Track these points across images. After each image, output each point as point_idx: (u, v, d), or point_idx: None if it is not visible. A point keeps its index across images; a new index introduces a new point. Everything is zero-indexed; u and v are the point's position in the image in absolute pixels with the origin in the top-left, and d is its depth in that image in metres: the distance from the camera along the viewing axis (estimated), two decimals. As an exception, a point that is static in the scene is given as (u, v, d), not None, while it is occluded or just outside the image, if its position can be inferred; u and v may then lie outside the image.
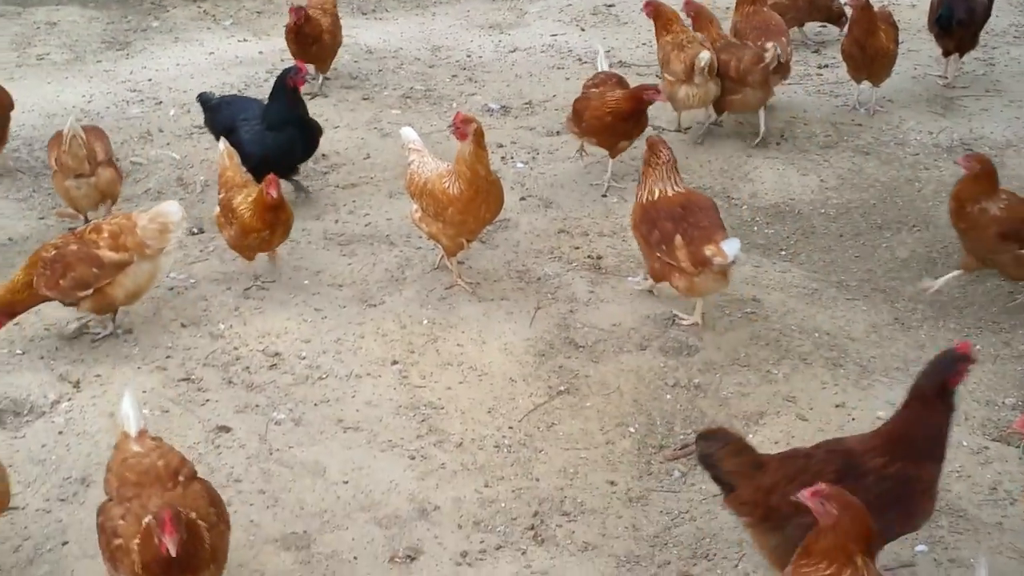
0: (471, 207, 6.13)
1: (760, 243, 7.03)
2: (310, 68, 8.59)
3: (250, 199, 6.20)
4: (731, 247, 5.69)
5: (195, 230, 7.04)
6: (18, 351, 5.92)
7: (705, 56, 7.69)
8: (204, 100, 7.62)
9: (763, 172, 7.73)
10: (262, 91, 8.95)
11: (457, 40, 10.20)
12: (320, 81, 9.11)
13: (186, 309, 6.28)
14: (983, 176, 6.17)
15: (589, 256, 6.81)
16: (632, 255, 6.75)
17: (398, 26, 10.33)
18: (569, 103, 8.08)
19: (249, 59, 9.68)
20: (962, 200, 6.22)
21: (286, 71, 7.28)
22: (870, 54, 8.36)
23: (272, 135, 7.14)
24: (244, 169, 6.62)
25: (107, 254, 5.78)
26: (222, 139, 6.73)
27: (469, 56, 9.86)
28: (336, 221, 7.22)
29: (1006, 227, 6.11)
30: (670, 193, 6.05)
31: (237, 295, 6.40)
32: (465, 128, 5.97)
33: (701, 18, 8.33)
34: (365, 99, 8.99)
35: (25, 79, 9.27)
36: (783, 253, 6.94)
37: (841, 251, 6.80)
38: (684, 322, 6.15)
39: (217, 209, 6.44)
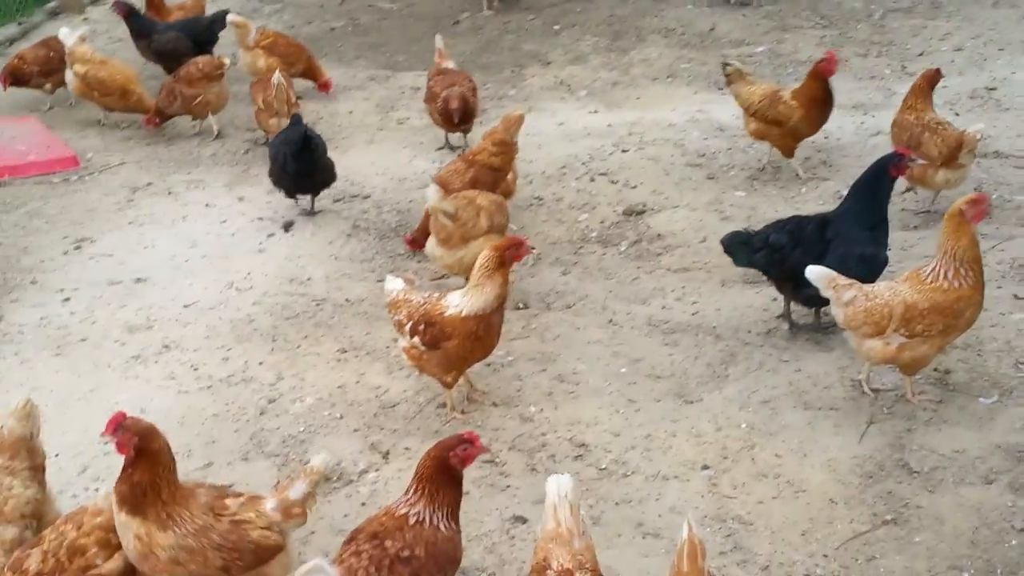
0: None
1: None
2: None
3: None
4: None
5: (520, 305, 6.99)
6: (338, 415, 6.05)
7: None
8: (737, 241, 6.43)
9: None
10: (606, 163, 8.90)
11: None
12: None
13: (500, 387, 6.20)
14: None
15: (936, 369, 6.14)
16: (987, 372, 6.05)
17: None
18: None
19: (597, 131, 9.62)
20: None
21: (889, 158, 6.19)
22: None
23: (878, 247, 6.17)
24: None
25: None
26: None
27: (827, 138, 9.33)
28: (663, 307, 6.95)
29: None
30: None
31: (552, 377, 6.26)
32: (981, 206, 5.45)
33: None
34: (710, 178, 8.69)
35: (384, 142, 9.67)
36: None
37: None
38: None
39: None
